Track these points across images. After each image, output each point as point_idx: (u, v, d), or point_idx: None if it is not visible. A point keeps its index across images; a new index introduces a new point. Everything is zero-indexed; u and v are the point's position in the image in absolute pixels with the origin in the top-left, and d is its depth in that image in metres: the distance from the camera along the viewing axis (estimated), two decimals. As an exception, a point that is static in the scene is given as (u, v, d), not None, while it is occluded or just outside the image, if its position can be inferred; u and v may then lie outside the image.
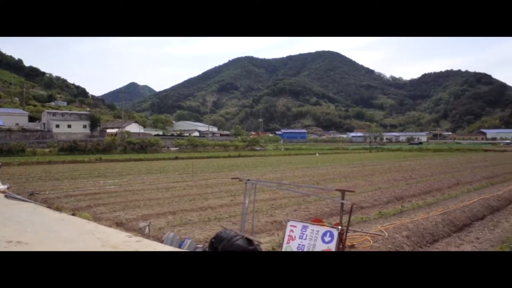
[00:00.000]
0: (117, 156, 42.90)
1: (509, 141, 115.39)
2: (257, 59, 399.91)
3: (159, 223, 8.91)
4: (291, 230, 5.71)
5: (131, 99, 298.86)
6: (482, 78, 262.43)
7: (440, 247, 7.31)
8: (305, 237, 5.54)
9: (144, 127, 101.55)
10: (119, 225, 9.03)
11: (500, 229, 8.50)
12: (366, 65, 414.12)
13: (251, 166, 29.51)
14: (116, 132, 67.89)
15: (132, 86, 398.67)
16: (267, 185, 14.01)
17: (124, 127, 78.27)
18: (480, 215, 10.23)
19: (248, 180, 6.49)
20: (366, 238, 7.07)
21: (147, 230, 8.13)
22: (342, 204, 5.61)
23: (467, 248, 7.05)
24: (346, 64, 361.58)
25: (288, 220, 5.86)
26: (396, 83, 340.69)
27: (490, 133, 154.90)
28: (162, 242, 7.12)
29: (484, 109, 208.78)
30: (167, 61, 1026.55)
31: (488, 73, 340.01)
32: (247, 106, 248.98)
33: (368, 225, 8.72)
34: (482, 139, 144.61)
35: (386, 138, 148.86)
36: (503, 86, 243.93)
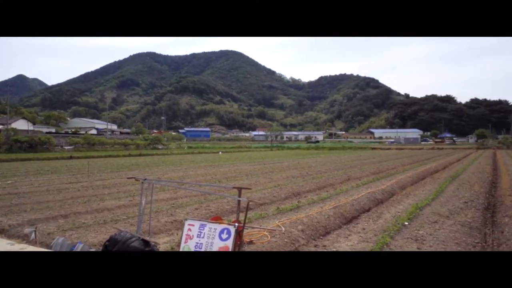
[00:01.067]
0: (0, 156, 38.68)
1: (392, 140, 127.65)
2: (159, 56, 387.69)
3: (48, 228, 8.22)
4: (189, 229, 5.65)
5: (18, 93, 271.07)
6: (371, 82, 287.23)
7: (331, 238, 7.80)
8: (203, 235, 5.52)
9: (34, 123, 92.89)
10: (0, 232, 8.15)
11: (383, 219, 9.35)
12: (268, 66, 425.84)
13: (152, 165, 28.68)
14: (0, 129, 61.20)
15: (20, 79, 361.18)
16: (165, 184, 13.73)
17: (10, 123, 70.87)
18: (367, 207, 11.14)
19: (145, 179, 6.28)
20: (264, 234, 7.27)
21: (33, 236, 7.44)
22: (239, 201, 5.70)
23: (355, 238, 7.63)
24: (249, 64, 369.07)
25: (186, 219, 5.80)
26: (296, 85, 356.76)
27: (377, 132, 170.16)
28: (50, 248, 6.57)
29: (372, 111, 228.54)
30: (62, 52, 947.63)
31: (376, 78, 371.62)
32: (149, 104, 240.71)
33: (266, 221, 8.98)
34: (371, 138, 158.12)
35: (286, 137, 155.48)
36: (388, 90, 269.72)
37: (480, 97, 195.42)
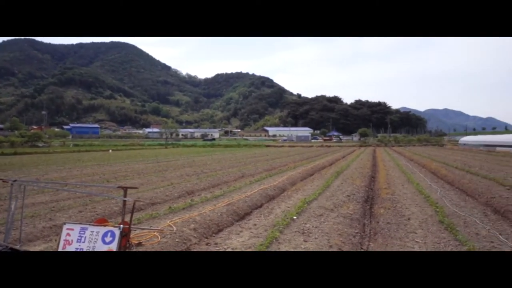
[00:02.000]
0: None
1: (285, 138, 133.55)
2: (40, 43, 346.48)
3: None
4: (68, 234, 5.13)
5: None
6: (266, 82, 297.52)
7: (223, 236, 7.78)
8: (84, 240, 5.06)
9: None
10: None
11: (274, 215, 9.61)
12: (163, 60, 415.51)
13: (30, 165, 26.00)
14: None
15: None
16: (44, 186, 12.54)
17: None
18: (259, 203, 11.39)
19: (15, 181, 5.57)
20: (154, 235, 6.97)
21: None
22: (124, 201, 5.34)
23: (246, 234, 7.70)
24: (143, 58, 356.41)
25: (64, 223, 5.26)
26: (192, 81, 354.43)
27: (272, 130, 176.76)
28: None
29: (267, 109, 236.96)
30: None
31: (270, 77, 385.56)
32: (27, 96, 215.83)
33: (158, 221, 8.65)
34: (265, 136, 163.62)
35: (182, 134, 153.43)
36: (281, 89, 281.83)
37: (363, 98, 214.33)
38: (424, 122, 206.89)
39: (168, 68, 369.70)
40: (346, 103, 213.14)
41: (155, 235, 6.94)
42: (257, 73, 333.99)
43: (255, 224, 8.61)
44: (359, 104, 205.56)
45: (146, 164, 27.08)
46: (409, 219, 9.18)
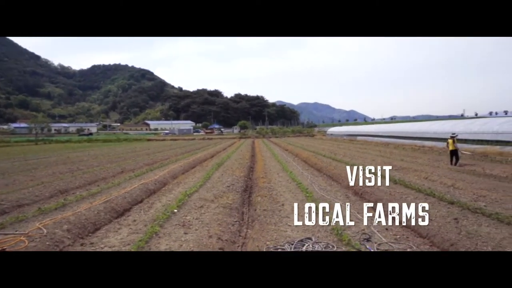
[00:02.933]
0: None
1: (167, 131, 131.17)
2: None
3: None
4: None
5: None
6: (146, 74, 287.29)
7: (100, 234, 7.56)
8: None
9: None
10: None
11: (154, 209, 9.59)
12: (31, 49, 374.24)
13: None
14: None
15: None
16: None
17: None
18: (139, 199, 11.20)
19: None
20: (20, 239, 6.49)
21: None
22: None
23: (125, 231, 7.58)
24: (6, 45, 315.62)
25: None
26: (65, 72, 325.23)
27: (153, 124, 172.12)
28: None
29: (148, 103, 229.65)
30: None
31: (151, 70, 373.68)
32: None
33: (25, 224, 7.99)
34: (147, 129, 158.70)
35: (55, 129, 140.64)
36: (162, 83, 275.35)
37: (243, 92, 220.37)
38: (297, 115, 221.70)
39: (37, 57, 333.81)
40: (226, 97, 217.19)
41: (22, 240, 6.47)
42: (137, 66, 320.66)
43: (134, 220, 8.51)
44: (238, 97, 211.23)
45: (12, 162, 24.39)
46: (283, 205, 9.94)
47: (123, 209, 9.82)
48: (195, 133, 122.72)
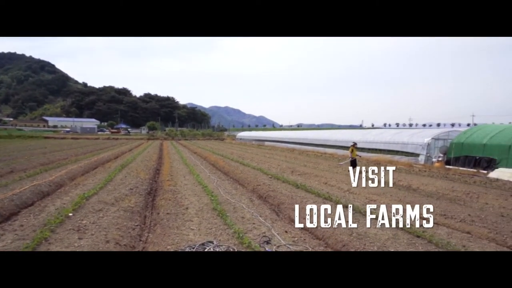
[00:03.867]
0: None
1: (68, 129, 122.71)
2: None
3: None
4: None
5: None
6: (46, 66, 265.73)
7: (-21, 241, 6.77)
8: None
9: None
10: None
11: (46, 213, 8.85)
12: None
13: None
14: None
15: None
16: None
17: None
18: (30, 201, 10.25)
19: None
20: None
21: None
22: None
23: (9, 237, 6.89)
24: None
25: None
26: None
27: (52, 121, 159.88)
28: None
29: (47, 97, 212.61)
30: None
31: (52, 62, 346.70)
32: None
33: None
34: (44, 126, 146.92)
35: None
36: (65, 76, 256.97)
37: (153, 92, 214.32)
38: (208, 118, 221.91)
39: None
40: (135, 96, 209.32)
41: None
42: (36, 56, 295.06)
43: (21, 225, 7.77)
44: (148, 97, 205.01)
45: None
46: (187, 208, 9.84)
47: (9, 213, 8.89)
48: (99, 132, 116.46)
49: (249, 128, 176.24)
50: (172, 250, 6.47)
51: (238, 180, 15.42)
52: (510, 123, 72.88)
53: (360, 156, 19.11)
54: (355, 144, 19.52)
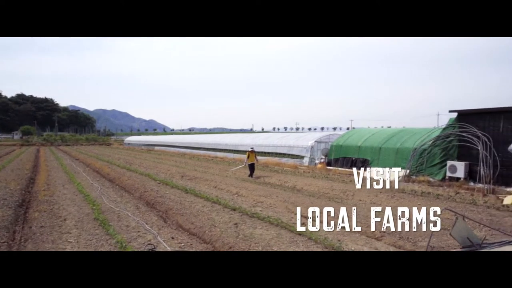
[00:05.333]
0: None
1: None
2: None
3: None
4: None
5: None
6: None
7: None
8: None
9: None
10: None
11: None
12: None
13: None
14: None
15: None
16: None
17: None
18: None
19: None
20: None
21: None
22: None
23: None
24: None
25: None
26: None
27: None
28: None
29: None
30: None
31: None
32: None
33: None
34: None
35: None
36: None
37: (27, 93, 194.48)
38: (93, 122, 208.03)
39: None
40: (5, 97, 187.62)
41: None
42: None
43: None
44: (22, 98, 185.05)
45: None
46: (65, 220, 9.10)
47: None
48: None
49: (139, 133, 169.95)
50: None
51: (125, 187, 14.70)
52: (382, 127, 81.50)
53: (257, 161, 19.49)
54: (253, 149, 19.80)
